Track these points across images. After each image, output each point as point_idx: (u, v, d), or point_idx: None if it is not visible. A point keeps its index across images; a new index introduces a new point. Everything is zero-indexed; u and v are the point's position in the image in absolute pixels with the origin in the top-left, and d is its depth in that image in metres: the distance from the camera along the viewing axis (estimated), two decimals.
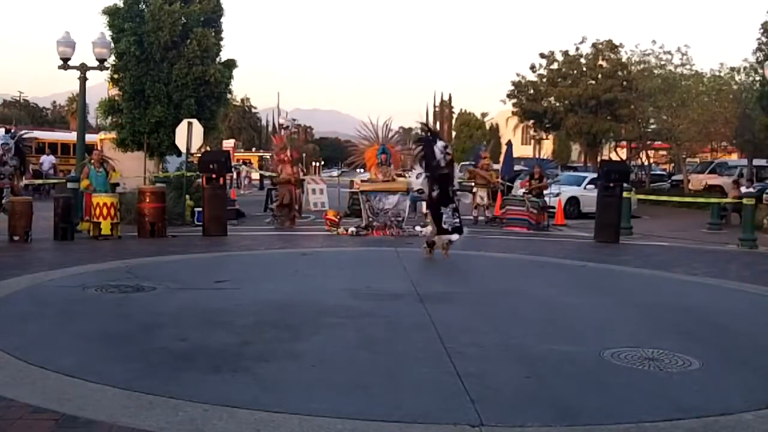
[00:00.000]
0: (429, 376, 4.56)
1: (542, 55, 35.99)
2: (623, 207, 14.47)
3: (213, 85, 16.36)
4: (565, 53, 35.45)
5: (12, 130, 12.62)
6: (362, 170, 18.77)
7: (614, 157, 36.00)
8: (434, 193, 10.35)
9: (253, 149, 66.89)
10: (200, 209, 14.14)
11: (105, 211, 12.20)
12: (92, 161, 13.14)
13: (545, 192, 17.28)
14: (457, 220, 10.46)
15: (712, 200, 18.68)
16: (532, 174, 17.23)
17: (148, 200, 12.82)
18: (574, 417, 3.87)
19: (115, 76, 16.42)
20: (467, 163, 35.14)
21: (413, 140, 11.65)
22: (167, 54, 15.88)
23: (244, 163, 41.58)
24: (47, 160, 26.05)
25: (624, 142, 37.93)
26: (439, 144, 10.36)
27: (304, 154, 66.73)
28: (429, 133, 10.83)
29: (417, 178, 10.48)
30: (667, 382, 4.57)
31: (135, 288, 7.45)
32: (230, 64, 17.22)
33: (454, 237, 10.39)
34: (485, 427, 3.68)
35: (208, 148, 21.33)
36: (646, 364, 4.93)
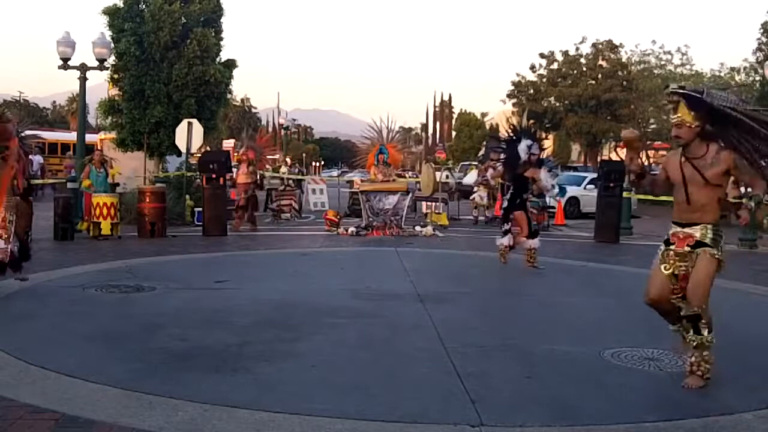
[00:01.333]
0: (429, 376, 4.56)
1: (542, 55, 36.05)
2: (623, 207, 14.46)
3: (213, 85, 16.35)
4: (565, 53, 35.49)
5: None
6: (356, 171, 18.71)
7: (614, 157, 36.00)
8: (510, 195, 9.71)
9: None
10: (200, 209, 14.15)
11: (105, 211, 12.19)
12: (93, 161, 13.15)
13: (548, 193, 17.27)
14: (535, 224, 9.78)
15: None
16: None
17: (148, 200, 12.82)
18: (574, 417, 3.87)
19: (115, 76, 16.42)
20: (467, 163, 35.20)
21: (488, 143, 10.39)
22: (167, 54, 15.88)
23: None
24: (35, 161, 25.97)
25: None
26: (524, 143, 9.43)
27: (304, 155, 66.48)
28: (514, 132, 9.87)
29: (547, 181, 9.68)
30: (667, 382, 4.56)
31: (135, 288, 7.45)
32: (230, 64, 17.23)
33: (535, 243, 9.66)
34: (485, 427, 3.68)
35: (208, 148, 21.32)
36: (646, 364, 4.93)
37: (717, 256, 4.31)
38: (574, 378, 4.61)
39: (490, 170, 10.29)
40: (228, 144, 38.66)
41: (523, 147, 9.41)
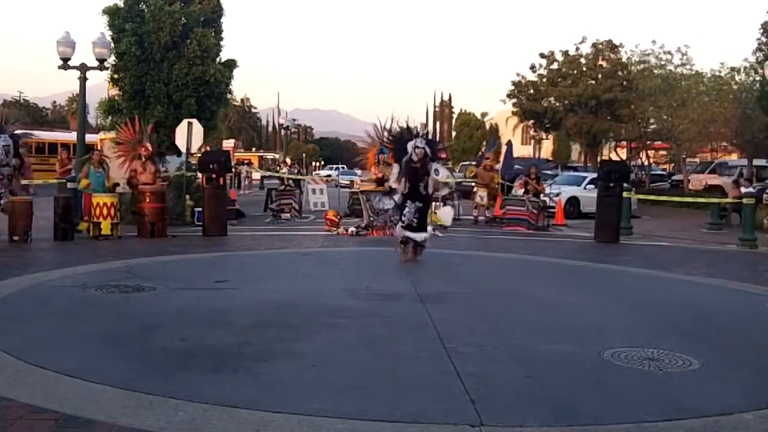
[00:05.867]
0: (429, 376, 4.56)
1: (542, 55, 36.01)
2: (623, 207, 14.47)
3: (213, 85, 16.36)
4: (565, 53, 35.45)
5: (15, 131, 12.43)
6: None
7: (614, 157, 35.98)
8: (404, 188, 10.22)
9: (253, 149, 66.96)
10: (200, 209, 14.15)
11: (105, 211, 12.20)
12: (92, 161, 13.15)
13: (544, 192, 17.33)
14: (415, 220, 10.05)
15: (712, 200, 18.68)
16: (528, 174, 17.28)
17: (148, 200, 12.82)
18: (574, 417, 3.87)
19: (115, 76, 16.42)
20: (467, 162, 35.21)
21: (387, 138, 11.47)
22: (167, 54, 15.89)
23: (243, 163, 41.65)
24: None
25: (624, 142, 37.93)
26: (414, 141, 10.15)
27: (304, 155, 66.37)
28: (407, 132, 10.50)
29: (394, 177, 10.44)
30: (667, 382, 4.57)
31: (135, 288, 7.45)
32: (230, 64, 17.23)
33: (413, 235, 10.03)
34: (485, 427, 3.68)
35: (208, 148, 21.31)
36: (646, 364, 4.93)
37: None
38: (574, 378, 4.61)
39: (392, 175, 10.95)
40: (228, 144, 38.63)
41: (412, 143, 10.16)
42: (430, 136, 10.92)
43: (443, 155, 11.83)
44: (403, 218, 10.14)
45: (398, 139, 10.56)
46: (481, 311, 6.77)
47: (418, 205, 10.09)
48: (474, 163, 25.43)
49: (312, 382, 4.39)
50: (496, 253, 11.67)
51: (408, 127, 10.69)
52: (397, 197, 10.59)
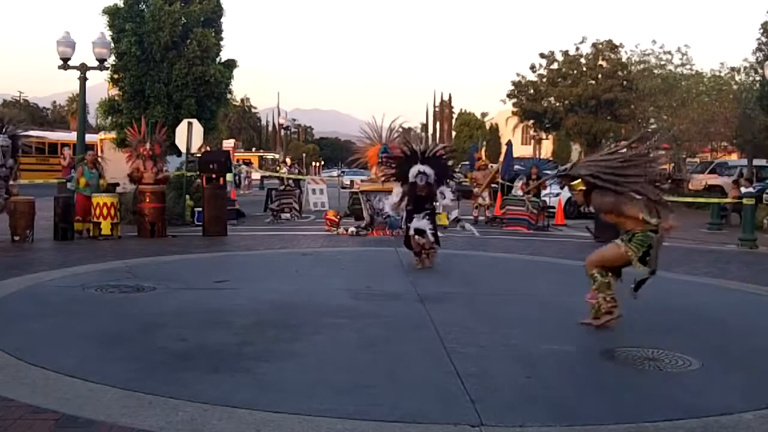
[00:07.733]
0: (429, 376, 4.56)
1: (542, 55, 36.02)
2: None
3: (213, 85, 16.36)
4: (565, 53, 35.47)
5: (8, 128, 12.26)
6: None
7: None
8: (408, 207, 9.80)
9: (253, 149, 66.99)
10: (200, 209, 14.15)
11: (105, 211, 12.20)
12: (86, 161, 13.14)
13: (544, 192, 17.31)
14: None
15: (712, 200, 18.67)
16: (529, 175, 17.27)
17: (148, 200, 12.82)
18: (574, 417, 3.87)
19: (115, 76, 16.43)
20: (467, 163, 35.25)
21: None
22: (167, 54, 15.89)
23: (244, 163, 41.66)
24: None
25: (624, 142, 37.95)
26: (417, 166, 9.40)
27: (304, 155, 66.41)
28: (413, 154, 9.70)
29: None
30: (667, 382, 4.57)
31: (135, 288, 7.45)
32: (230, 64, 17.24)
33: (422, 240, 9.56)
34: (485, 427, 3.68)
35: (208, 148, 21.29)
36: (646, 364, 4.93)
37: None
38: (574, 378, 4.61)
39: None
40: (228, 144, 38.64)
41: (413, 171, 9.37)
42: (440, 152, 9.97)
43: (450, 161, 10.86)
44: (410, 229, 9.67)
45: (403, 161, 9.83)
46: (481, 311, 6.77)
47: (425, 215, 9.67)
48: (467, 163, 25.49)
49: (312, 382, 4.39)
50: (496, 253, 11.67)
51: (413, 149, 9.78)
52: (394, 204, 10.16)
